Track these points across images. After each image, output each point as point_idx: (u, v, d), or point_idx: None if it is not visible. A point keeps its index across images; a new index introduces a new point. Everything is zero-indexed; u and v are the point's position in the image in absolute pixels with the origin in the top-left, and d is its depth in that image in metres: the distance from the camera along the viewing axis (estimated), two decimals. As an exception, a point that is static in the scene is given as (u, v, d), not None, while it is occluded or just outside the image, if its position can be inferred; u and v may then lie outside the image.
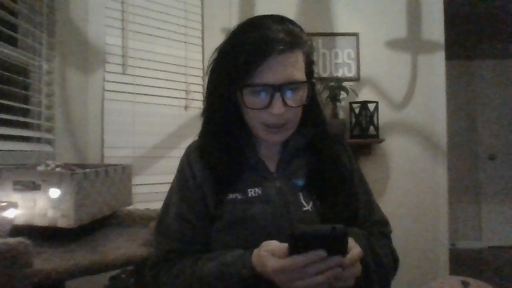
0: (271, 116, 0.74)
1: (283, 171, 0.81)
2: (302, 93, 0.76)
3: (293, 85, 0.73)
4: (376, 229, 0.84)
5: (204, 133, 0.85)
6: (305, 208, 0.77)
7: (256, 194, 0.77)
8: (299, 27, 0.78)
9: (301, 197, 0.78)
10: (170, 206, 0.81)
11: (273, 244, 0.65)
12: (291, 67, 0.73)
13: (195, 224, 0.78)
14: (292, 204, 0.77)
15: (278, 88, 0.72)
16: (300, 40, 0.76)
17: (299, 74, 0.75)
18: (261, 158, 0.82)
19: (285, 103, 0.73)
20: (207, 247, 0.77)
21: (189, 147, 0.87)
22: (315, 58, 0.83)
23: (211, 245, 0.77)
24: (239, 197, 0.77)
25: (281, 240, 0.66)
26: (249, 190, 0.78)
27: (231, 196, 0.77)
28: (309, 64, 0.79)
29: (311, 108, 0.83)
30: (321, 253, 0.59)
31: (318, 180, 0.80)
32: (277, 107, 0.72)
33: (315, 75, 0.83)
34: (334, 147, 0.85)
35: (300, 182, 0.80)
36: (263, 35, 0.72)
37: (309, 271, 0.59)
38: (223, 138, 0.81)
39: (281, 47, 0.71)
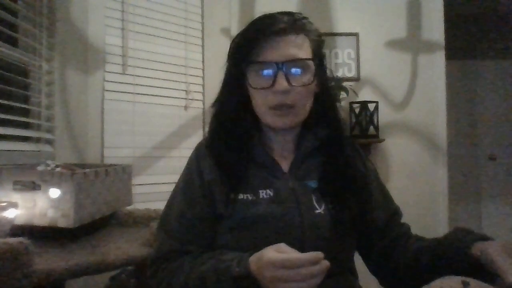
0: (275, 96, 0.74)
1: (296, 172, 0.80)
2: (308, 76, 0.76)
3: (296, 62, 0.74)
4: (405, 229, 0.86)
5: (213, 130, 0.84)
6: (317, 211, 0.76)
7: (268, 196, 0.76)
8: (307, 18, 0.80)
9: (314, 199, 0.77)
10: (173, 205, 0.81)
11: (283, 245, 0.63)
12: (295, 47, 0.75)
13: (197, 226, 0.77)
14: (304, 206, 0.76)
15: (281, 66, 0.73)
16: (306, 27, 0.78)
17: (305, 56, 0.76)
18: (274, 158, 0.81)
19: (288, 82, 0.73)
20: (208, 248, 0.77)
21: (199, 144, 0.86)
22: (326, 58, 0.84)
23: (218, 244, 0.76)
24: (250, 198, 0.76)
25: (291, 242, 0.65)
26: (260, 191, 0.76)
27: (241, 196, 0.76)
28: (318, 54, 0.80)
29: (324, 107, 0.83)
30: (320, 254, 0.58)
31: (331, 183, 0.79)
32: (280, 84, 0.73)
33: (328, 72, 0.84)
34: (347, 150, 0.84)
35: (313, 184, 0.79)
36: (267, 17, 0.77)
37: (302, 272, 0.57)
38: (233, 136, 0.80)
39: (283, 26, 0.74)
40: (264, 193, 0.76)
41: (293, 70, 0.75)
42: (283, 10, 0.80)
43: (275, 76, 0.73)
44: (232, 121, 0.80)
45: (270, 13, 0.79)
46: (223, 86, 0.83)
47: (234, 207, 0.75)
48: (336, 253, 0.75)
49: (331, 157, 0.82)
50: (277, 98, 0.74)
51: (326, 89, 0.83)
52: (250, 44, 0.75)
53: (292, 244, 0.64)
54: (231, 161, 0.78)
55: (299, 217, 0.74)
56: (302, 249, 0.65)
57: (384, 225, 0.84)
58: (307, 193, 0.77)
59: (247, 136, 0.80)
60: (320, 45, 0.81)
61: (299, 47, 0.75)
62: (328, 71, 0.84)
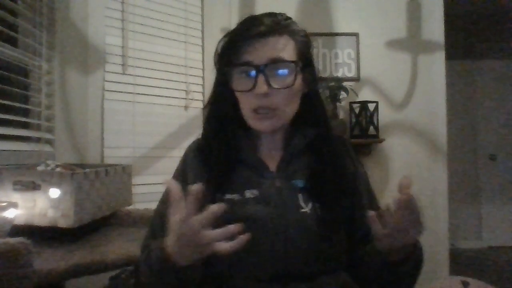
0: (256, 99, 0.75)
1: (284, 171, 0.80)
2: (290, 78, 0.76)
3: (276, 64, 0.74)
4: None
5: (204, 132, 0.85)
6: (303, 210, 0.75)
7: (254, 196, 0.76)
8: (291, 19, 0.80)
9: (300, 199, 0.76)
10: (158, 207, 0.83)
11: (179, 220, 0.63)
12: (277, 50, 0.75)
13: None
14: (289, 205, 0.75)
15: (262, 69, 0.73)
16: (289, 28, 0.78)
17: (286, 57, 0.76)
18: (261, 158, 0.81)
19: (269, 85, 0.73)
20: None
21: (189, 147, 0.87)
22: (314, 58, 0.84)
23: None
24: (236, 198, 0.76)
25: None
26: (246, 191, 0.77)
27: (228, 196, 0.76)
28: (304, 54, 0.80)
29: (312, 107, 0.82)
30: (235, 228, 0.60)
31: (319, 182, 0.78)
32: (260, 86, 0.73)
33: (316, 72, 0.84)
34: (336, 149, 0.84)
35: (300, 183, 0.79)
36: (250, 19, 0.77)
37: (211, 235, 0.60)
38: (221, 137, 0.81)
39: (264, 29, 0.74)
40: (249, 193, 0.76)
41: (274, 72, 0.75)
42: (279, 12, 0.80)
43: (255, 78, 0.74)
44: (221, 122, 0.81)
45: (253, 15, 0.79)
46: (213, 89, 0.85)
47: None
48: (326, 251, 0.75)
49: (319, 156, 0.81)
50: (258, 101, 0.75)
51: (314, 89, 0.83)
52: (232, 47, 0.76)
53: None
54: (219, 161, 0.79)
55: (284, 216, 0.74)
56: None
57: (366, 230, 0.82)
58: (293, 192, 0.77)
59: (235, 136, 0.81)
60: (306, 45, 0.81)
61: (280, 49, 0.75)
62: (316, 71, 0.84)
